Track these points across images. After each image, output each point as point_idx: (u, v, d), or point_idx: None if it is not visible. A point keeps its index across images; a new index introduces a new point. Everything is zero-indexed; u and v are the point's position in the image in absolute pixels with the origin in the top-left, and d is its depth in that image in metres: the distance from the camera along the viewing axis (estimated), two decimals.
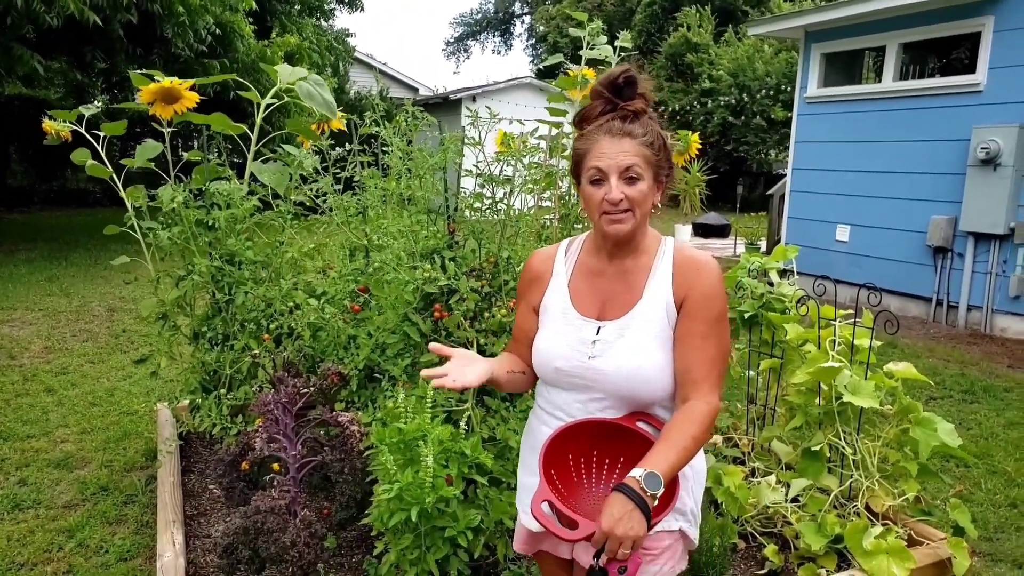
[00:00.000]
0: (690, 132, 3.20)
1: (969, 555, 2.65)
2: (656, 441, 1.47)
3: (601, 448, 1.59)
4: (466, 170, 3.05)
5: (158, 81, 3.25)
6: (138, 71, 3.34)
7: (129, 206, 3.46)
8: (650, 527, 1.35)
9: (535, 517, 1.42)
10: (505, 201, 2.97)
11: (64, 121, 3.46)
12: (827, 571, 2.66)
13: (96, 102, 3.55)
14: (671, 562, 1.64)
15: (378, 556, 2.54)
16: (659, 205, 1.60)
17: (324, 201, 3.32)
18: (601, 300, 1.62)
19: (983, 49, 7.02)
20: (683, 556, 1.68)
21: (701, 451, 1.60)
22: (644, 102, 1.57)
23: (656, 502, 1.36)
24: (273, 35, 13.30)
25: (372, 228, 3.10)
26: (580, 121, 1.62)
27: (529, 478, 1.73)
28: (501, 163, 2.97)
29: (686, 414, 1.48)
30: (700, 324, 1.52)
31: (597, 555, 1.39)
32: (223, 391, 3.26)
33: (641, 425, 1.56)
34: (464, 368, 1.56)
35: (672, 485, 1.43)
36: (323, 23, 18.53)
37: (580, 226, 3.33)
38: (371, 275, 3.04)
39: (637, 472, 1.37)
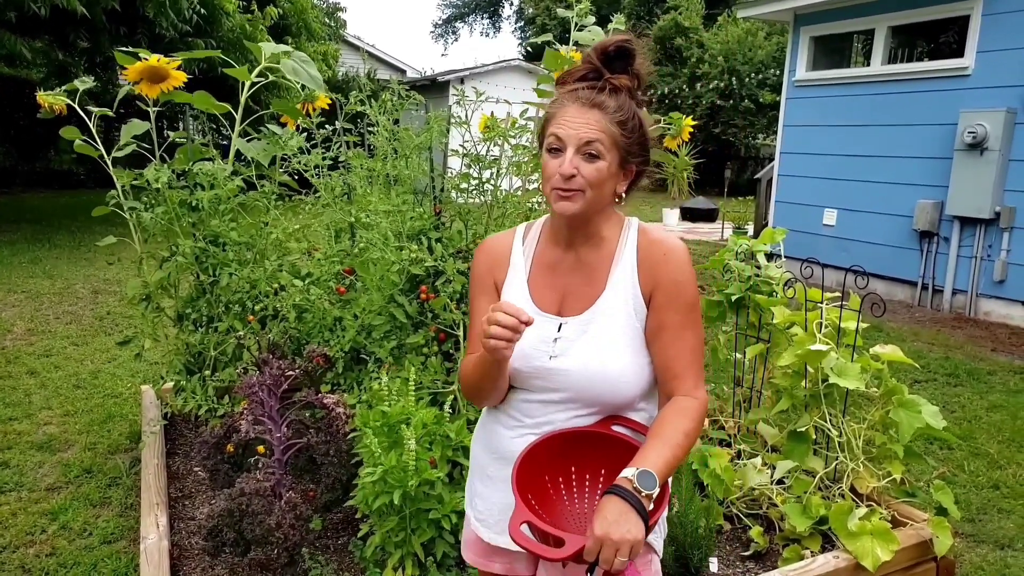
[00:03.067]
0: (683, 116, 3.17)
1: (952, 536, 2.67)
2: (646, 440, 1.34)
3: (579, 463, 1.44)
4: (453, 150, 3.01)
5: (144, 60, 3.19)
6: (123, 50, 3.27)
7: (118, 186, 3.41)
8: (648, 531, 1.21)
9: (515, 540, 1.26)
10: (492, 182, 2.95)
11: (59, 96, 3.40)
12: (812, 552, 2.68)
13: (86, 78, 3.48)
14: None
15: (363, 538, 2.53)
16: (622, 195, 1.44)
17: (314, 176, 3.28)
18: (561, 294, 1.47)
19: (971, 33, 7.02)
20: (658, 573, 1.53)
21: None
22: (633, 80, 1.40)
23: (652, 504, 1.22)
24: (253, 7, 13.11)
25: (359, 207, 3.07)
26: (559, 82, 1.46)
27: (482, 485, 1.58)
28: (488, 143, 2.95)
29: (675, 408, 1.37)
30: (675, 314, 1.39)
31: (590, 569, 1.21)
32: (208, 373, 3.23)
33: (618, 429, 1.42)
34: None
35: (665, 485, 1.30)
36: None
37: None
38: (357, 256, 3.01)
39: (629, 472, 1.23)
